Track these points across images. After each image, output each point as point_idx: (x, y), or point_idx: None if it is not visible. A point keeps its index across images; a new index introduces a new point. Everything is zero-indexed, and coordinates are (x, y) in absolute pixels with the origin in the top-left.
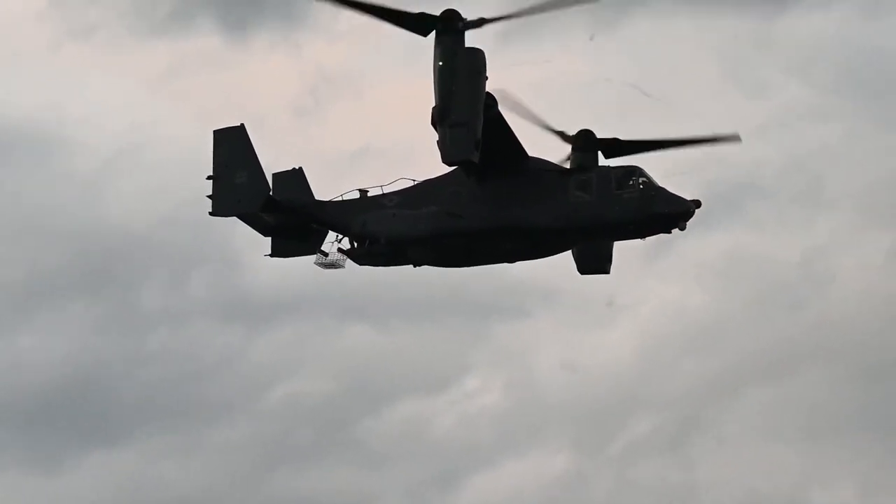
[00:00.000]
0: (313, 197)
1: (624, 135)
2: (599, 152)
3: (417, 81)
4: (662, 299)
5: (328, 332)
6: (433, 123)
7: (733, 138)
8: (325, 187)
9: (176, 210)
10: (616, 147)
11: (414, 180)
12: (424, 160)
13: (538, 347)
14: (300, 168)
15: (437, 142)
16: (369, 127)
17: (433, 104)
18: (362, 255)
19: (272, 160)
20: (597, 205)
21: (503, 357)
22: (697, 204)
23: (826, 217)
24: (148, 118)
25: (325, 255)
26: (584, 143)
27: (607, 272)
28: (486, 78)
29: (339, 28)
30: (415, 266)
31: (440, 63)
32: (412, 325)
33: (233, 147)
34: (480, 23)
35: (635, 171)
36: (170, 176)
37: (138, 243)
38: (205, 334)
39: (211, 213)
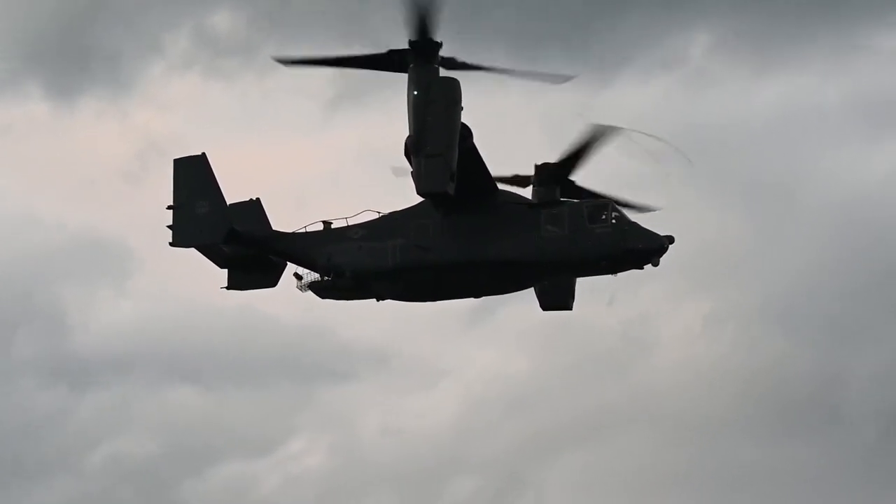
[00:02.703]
0: (271, 228)
1: None
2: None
3: (247, 146)
4: (485, 363)
5: (154, 392)
6: (406, 154)
7: (651, 209)
8: (158, 252)
9: (6, 268)
10: (574, 189)
11: (379, 212)
12: None
13: (364, 410)
14: (258, 199)
15: (412, 173)
16: None
17: (407, 135)
18: (326, 288)
19: (99, 223)
20: (569, 239)
21: (328, 419)
22: (671, 240)
23: (647, 286)
24: None
25: (301, 277)
26: (547, 177)
27: (570, 308)
28: (462, 108)
29: (167, 95)
30: (378, 300)
31: (415, 93)
32: (240, 386)
33: (193, 177)
34: (452, 63)
35: (608, 206)
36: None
37: None
38: (29, 393)
39: (171, 244)
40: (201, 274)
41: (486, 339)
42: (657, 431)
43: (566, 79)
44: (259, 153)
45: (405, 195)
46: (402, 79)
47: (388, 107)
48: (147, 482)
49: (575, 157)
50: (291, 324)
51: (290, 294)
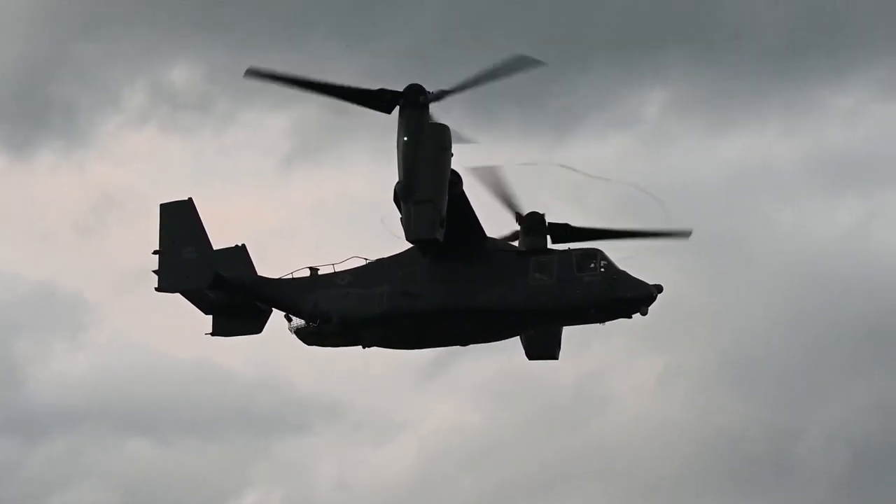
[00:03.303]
0: (256, 274)
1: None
2: (548, 236)
3: (203, 199)
4: (440, 418)
5: (108, 444)
6: (395, 200)
7: (684, 234)
8: (113, 304)
9: None
10: (565, 232)
11: (366, 259)
12: None
13: (318, 463)
14: (243, 245)
15: (401, 219)
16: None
17: (397, 180)
18: (312, 334)
19: (54, 275)
20: (558, 288)
21: (283, 472)
22: (659, 289)
23: (601, 341)
24: None
25: (291, 319)
26: (534, 225)
27: (556, 357)
28: (452, 154)
29: (123, 149)
30: (364, 347)
31: (405, 139)
32: (194, 439)
33: (180, 222)
34: (441, 95)
35: (596, 255)
36: None
37: None
38: None
39: (157, 289)
40: (156, 326)
41: (443, 392)
42: (612, 487)
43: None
44: (215, 206)
45: (359, 249)
46: (375, 122)
47: (343, 163)
48: None
49: (604, 234)
50: (247, 376)
51: (273, 342)
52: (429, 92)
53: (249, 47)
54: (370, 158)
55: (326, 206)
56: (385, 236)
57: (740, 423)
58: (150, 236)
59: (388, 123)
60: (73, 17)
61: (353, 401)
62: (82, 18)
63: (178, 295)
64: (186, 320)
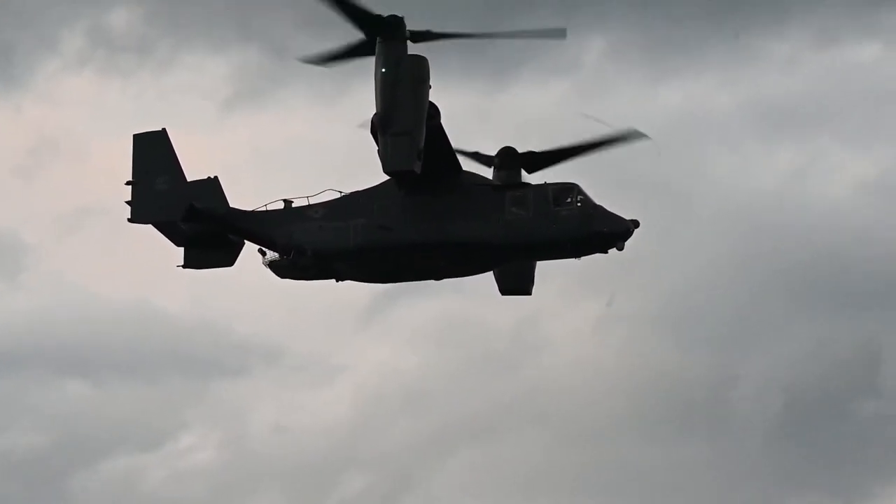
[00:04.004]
0: (229, 207)
1: None
2: (522, 169)
3: None
4: (378, 361)
5: (44, 386)
6: (372, 132)
7: (640, 136)
8: (51, 247)
9: None
10: (533, 160)
11: (340, 192)
12: None
13: (255, 406)
14: (216, 177)
15: (378, 151)
16: (94, 187)
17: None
18: (286, 267)
19: None
20: (534, 222)
21: (220, 415)
22: (636, 224)
23: (540, 285)
24: None
25: (265, 253)
26: (507, 160)
27: (529, 293)
28: (430, 87)
29: (62, 92)
30: (337, 280)
31: (383, 70)
32: (131, 381)
33: (154, 152)
34: (426, 36)
35: (573, 189)
36: None
37: None
38: None
39: (129, 220)
40: (95, 269)
41: (382, 335)
42: (549, 431)
43: (561, 33)
44: None
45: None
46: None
47: (283, 107)
48: (35, 475)
49: (568, 153)
50: (185, 318)
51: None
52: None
53: None
54: (311, 103)
55: (268, 149)
56: (326, 181)
57: (677, 370)
58: (87, 179)
59: (327, 72)
60: None
61: (291, 344)
62: None
63: (125, 234)
64: (126, 262)
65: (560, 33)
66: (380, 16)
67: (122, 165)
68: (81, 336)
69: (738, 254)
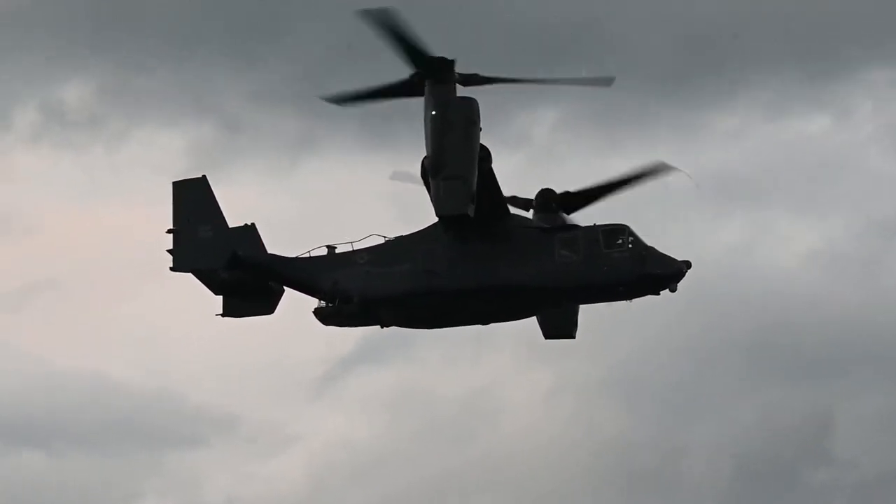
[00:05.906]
0: (270, 253)
1: None
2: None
3: (89, 215)
4: (333, 430)
5: None
6: (423, 175)
7: (671, 169)
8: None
9: None
10: (571, 201)
11: (385, 237)
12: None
13: (209, 476)
14: (253, 224)
15: (430, 195)
16: (44, 261)
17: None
18: (331, 314)
19: None
20: (585, 264)
21: (174, 485)
22: (688, 265)
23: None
24: None
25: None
26: (546, 202)
27: (573, 337)
28: (481, 129)
29: (13, 169)
30: (382, 327)
31: (433, 113)
32: (85, 451)
33: (195, 199)
34: (475, 79)
35: (624, 230)
36: None
37: None
38: None
39: (172, 269)
40: (49, 338)
41: (337, 404)
42: (499, 498)
43: (608, 81)
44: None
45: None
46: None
47: (234, 182)
48: None
49: (603, 190)
50: (140, 388)
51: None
52: (447, 60)
53: (139, 67)
54: (263, 178)
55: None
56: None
57: (627, 437)
58: (37, 255)
59: (283, 144)
60: None
61: (245, 413)
62: None
63: (77, 306)
64: (76, 332)
65: (607, 81)
66: (436, 57)
67: (78, 237)
68: (35, 406)
69: (688, 323)
